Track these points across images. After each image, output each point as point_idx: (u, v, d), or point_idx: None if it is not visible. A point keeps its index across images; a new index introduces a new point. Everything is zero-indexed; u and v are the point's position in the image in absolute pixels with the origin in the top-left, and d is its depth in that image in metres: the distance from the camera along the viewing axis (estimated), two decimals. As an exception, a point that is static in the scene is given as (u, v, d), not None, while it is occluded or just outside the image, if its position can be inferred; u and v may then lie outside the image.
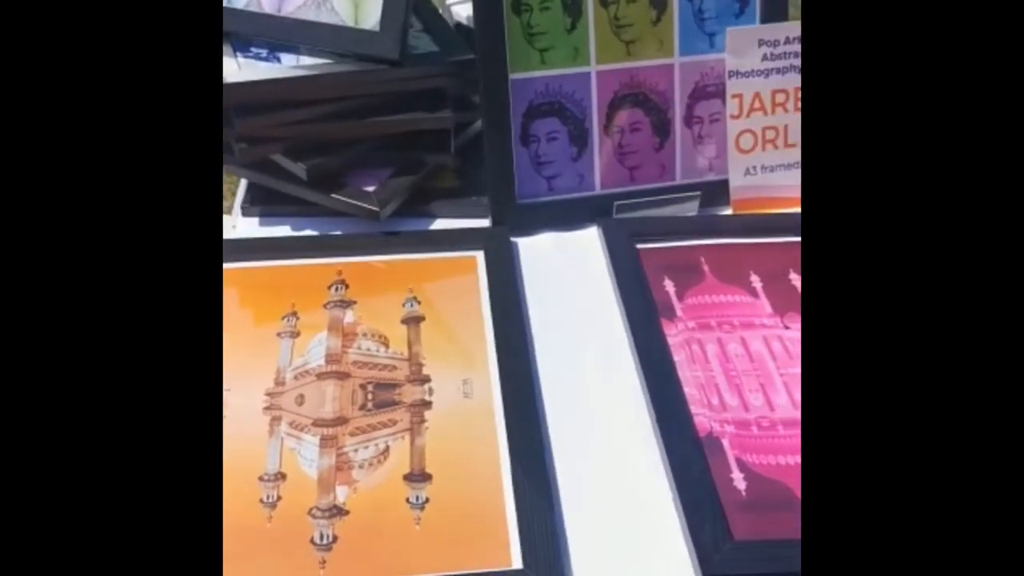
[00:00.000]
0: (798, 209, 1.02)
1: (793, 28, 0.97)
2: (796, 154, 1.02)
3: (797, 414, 0.79)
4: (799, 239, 0.96)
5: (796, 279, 0.92)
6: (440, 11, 1.09)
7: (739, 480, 0.73)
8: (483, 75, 0.93)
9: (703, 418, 0.78)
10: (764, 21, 0.99)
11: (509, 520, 0.70)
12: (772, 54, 0.97)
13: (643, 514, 0.72)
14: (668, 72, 0.98)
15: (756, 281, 0.92)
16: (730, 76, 0.97)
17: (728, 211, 1.02)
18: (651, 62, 0.98)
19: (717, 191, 1.01)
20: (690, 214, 1.01)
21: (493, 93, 0.94)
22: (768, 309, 0.89)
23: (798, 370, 0.83)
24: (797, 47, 0.98)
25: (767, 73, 0.98)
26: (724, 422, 0.78)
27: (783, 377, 0.82)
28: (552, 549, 0.67)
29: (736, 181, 1.01)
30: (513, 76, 0.94)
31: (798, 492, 0.72)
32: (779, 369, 0.83)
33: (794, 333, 0.86)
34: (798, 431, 0.77)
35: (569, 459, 0.76)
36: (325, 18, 0.95)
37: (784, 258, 0.94)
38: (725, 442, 0.76)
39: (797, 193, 1.03)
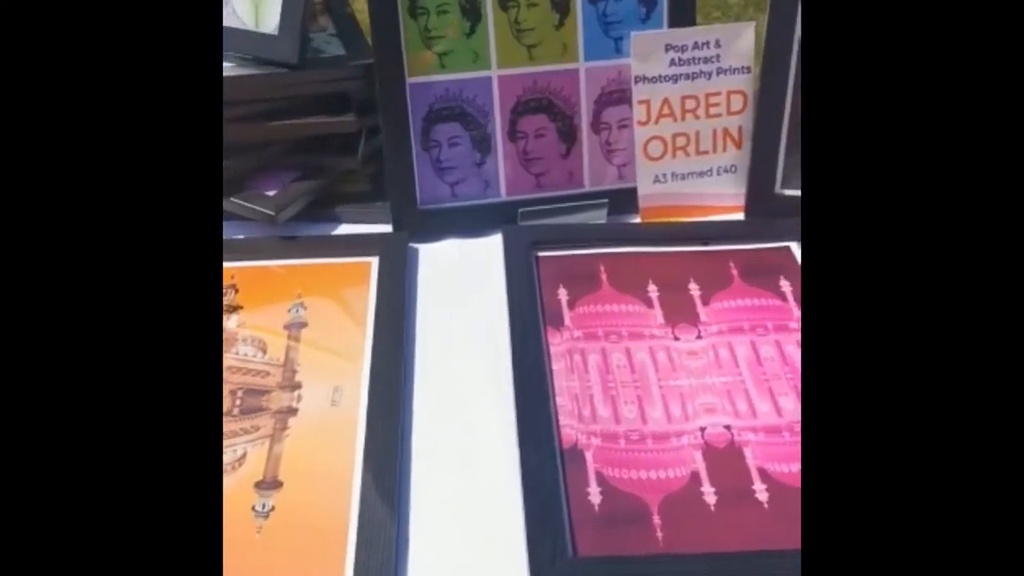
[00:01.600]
0: (708, 217, 1.00)
1: (701, 33, 0.95)
2: (708, 161, 1.00)
3: (669, 427, 0.76)
4: (705, 247, 0.94)
5: (695, 289, 0.90)
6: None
7: (595, 494, 0.71)
8: (379, 79, 0.92)
9: (571, 430, 0.76)
10: (672, 26, 0.97)
11: (350, 531, 0.68)
12: (680, 59, 0.95)
13: (492, 527, 0.70)
14: (573, 77, 0.97)
15: (653, 291, 0.90)
16: (636, 81, 0.95)
17: (637, 219, 1.00)
18: (555, 67, 0.96)
19: (626, 199, 0.99)
20: (598, 222, 0.99)
21: (390, 97, 0.93)
22: (660, 320, 0.87)
23: (680, 382, 0.81)
24: (706, 52, 0.96)
25: (675, 79, 0.96)
26: (592, 434, 0.76)
27: (662, 389, 0.80)
28: (387, 562, 0.66)
29: (645, 189, 0.99)
30: (411, 80, 0.93)
31: (654, 507, 0.70)
32: (660, 381, 0.81)
33: (683, 344, 0.84)
34: (667, 444, 0.75)
35: (429, 470, 0.75)
36: (226, 21, 0.94)
37: (686, 268, 0.92)
38: (588, 455, 0.74)
39: (708, 201, 1.01)
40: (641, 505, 0.70)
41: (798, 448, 0.75)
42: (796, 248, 0.95)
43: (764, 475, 0.73)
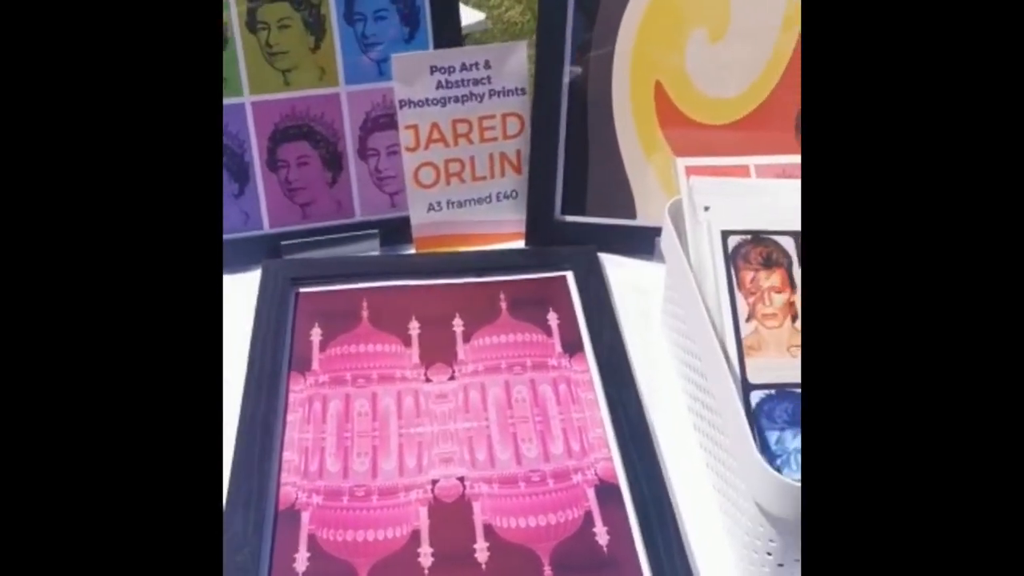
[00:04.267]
0: (489, 246, 0.96)
1: (468, 54, 0.91)
2: (486, 187, 0.95)
3: (399, 480, 0.72)
4: (478, 279, 0.90)
5: (459, 324, 0.85)
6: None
7: (302, 560, 0.66)
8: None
9: (292, 488, 0.71)
10: (437, 46, 0.92)
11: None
12: (447, 81, 0.91)
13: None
14: (334, 102, 0.91)
15: (415, 328, 0.85)
16: (401, 106, 0.90)
17: (411, 250, 0.95)
18: (313, 91, 0.91)
19: (400, 228, 0.94)
20: (372, 253, 0.94)
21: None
22: (415, 360, 0.82)
23: (422, 429, 0.76)
24: (475, 73, 0.91)
25: (444, 102, 0.91)
26: (314, 492, 0.71)
27: (402, 438, 0.75)
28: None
29: (418, 218, 0.94)
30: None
31: (363, 573, 0.65)
32: (401, 429, 0.76)
33: (433, 387, 0.79)
34: (393, 500, 0.70)
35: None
36: None
37: (454, 302, 0.87)
38: (305, 516, 0.69)
39: (488, 229, 0.96)
40: (348, 571, 0.65)
41: (531, 500, 0.71)
42: (572, 277, 0.90)
43: (489, 532, 0.68)
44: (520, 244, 0.96)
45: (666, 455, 0.75)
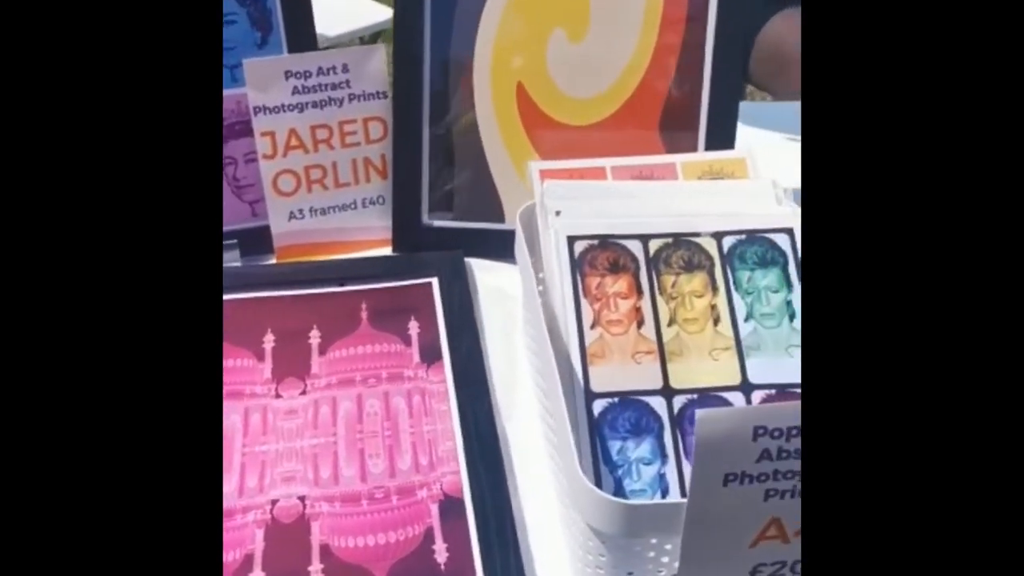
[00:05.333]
0: (349, 255, 0.94)
1: (324, 58, 0.88)
2: (350, 194, 0.93)
3: (237, 502, 0.69)
4: (340, 288, 0.88)
5: (316, 336, 0.83)
6: None
7: (127, 591, 0.64)
8: None
9: (123, 514, 0.68)
10: (292, 50, 0.89)
11: None
12: (304, 87, 0.88)
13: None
14: (186, 110, 0.88)
15: (269, 341, 0.82)
16: (256, 112, 0.88)
17: (273, 260, 0.92)
18: (163, 99, 0.88)
19: (260, 238, 0.92)
20: (232, 264, 0.92)
21: None
22: (267, 375, 0.80)
23: (267, 447, 0.74)
24: (333, 78, 0.89)
25: (301, 107, 0.89)
26: (146, 517, 0.68)
27: (245, 457, 0.73)
28: None
29: (279, 227, 0.92)
30: None
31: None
32: (244, 448, 0.73)
33: (284, 402, 0.77)
34: (231, 524, 0.68)
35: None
36: None
37: (313, 313, 0.85)
38: (134, 543, 0.67)
39: (353, 236, 0.94)
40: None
41: (372, 518, 0.69)
42: (436, 284, 0.89)
43: (325, 553, 0.66)
44: (388, 251, 0.94)
45: (517, 467, 0.74)
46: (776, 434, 0.52)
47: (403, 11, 0.87)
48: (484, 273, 0.92)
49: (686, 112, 0.89)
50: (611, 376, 0.69)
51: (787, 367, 0.70)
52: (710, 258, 0.74)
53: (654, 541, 0.59)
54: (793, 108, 1.09)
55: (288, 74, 0.88)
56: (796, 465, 0.53)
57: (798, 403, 0.56)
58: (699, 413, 0.50)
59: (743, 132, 0.92)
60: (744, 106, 0.93)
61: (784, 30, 1.11)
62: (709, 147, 0.89)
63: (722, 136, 0.89)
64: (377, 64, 0.90)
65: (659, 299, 0.72)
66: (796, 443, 0.52)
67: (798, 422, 0.52)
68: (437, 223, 0.93)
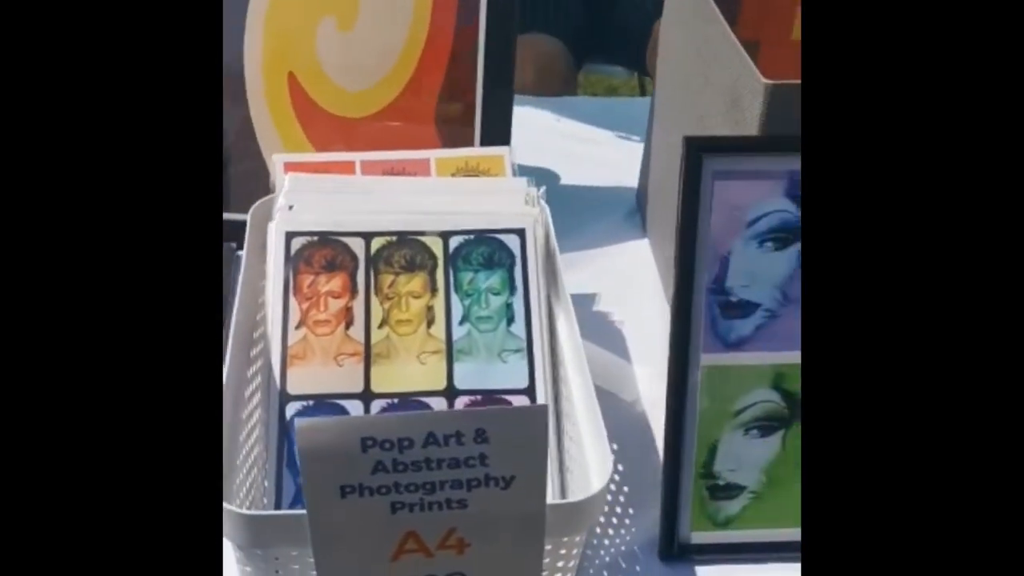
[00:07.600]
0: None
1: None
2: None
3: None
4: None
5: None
6: None
7: None
8: None
9: None
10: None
11: None
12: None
13: None
14: None
15: None
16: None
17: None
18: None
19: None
20: None
21: None
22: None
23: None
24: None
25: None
26: None
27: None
28: None
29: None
30: None
31: None
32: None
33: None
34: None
35: None
36: None
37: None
38: None
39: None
40: None
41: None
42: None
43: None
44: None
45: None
46: (387, 446, 0.50)
47: None
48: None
49: (460, 106, 0.87)
50: (310, 378, 0.67)
51: (497, 372, 0.68)
52: (434, 257, 0.72)
53: (295, 553, 0.56)
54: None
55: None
56: (418, 478, 0.51)
57: (409, 415, 0.54)
58: (299, 423, 0.48)
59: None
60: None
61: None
62: (485, 142, 0.87)
63: (498, 130, 0.87)
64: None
65: (374, 299, 0.70)
66: (413, 455, 0.50)
67: (411, 434, 0.50)
68: (211, 215, 0.90)
